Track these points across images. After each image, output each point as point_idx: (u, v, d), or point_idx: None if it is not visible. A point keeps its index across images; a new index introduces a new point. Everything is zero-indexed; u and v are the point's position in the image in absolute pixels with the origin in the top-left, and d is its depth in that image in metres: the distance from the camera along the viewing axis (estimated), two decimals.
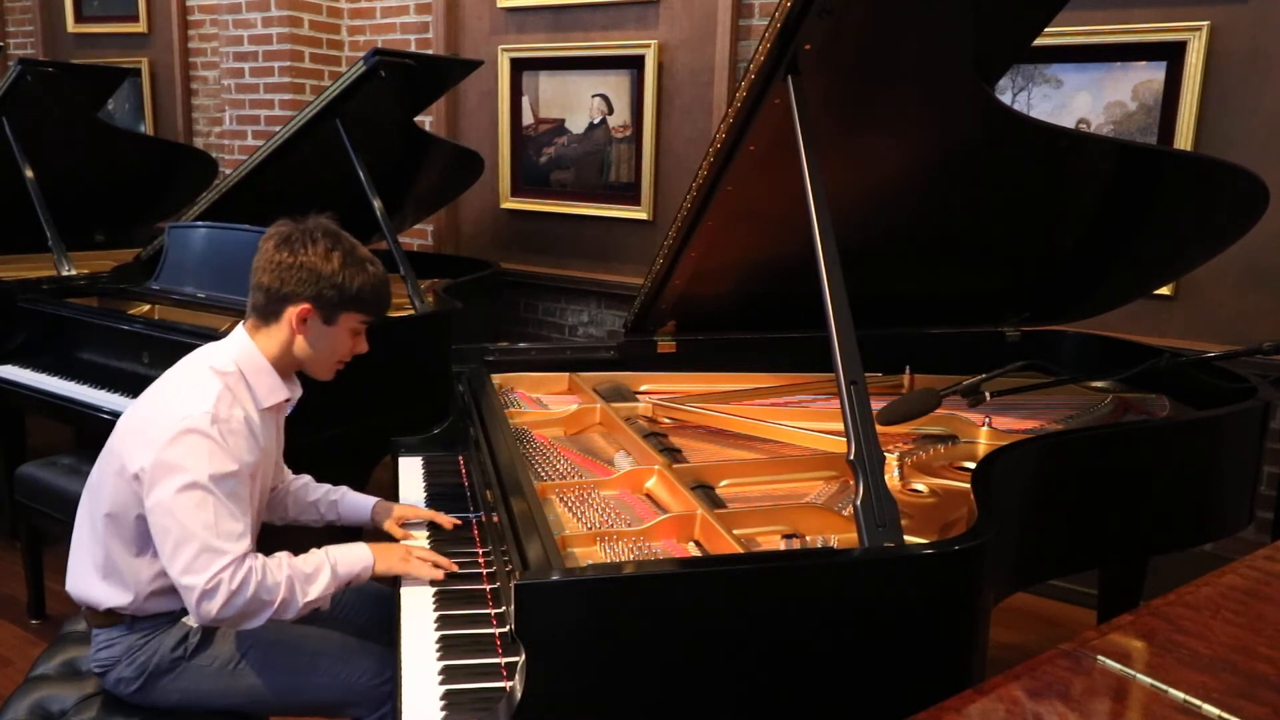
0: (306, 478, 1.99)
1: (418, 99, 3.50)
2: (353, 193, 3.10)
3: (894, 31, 1.71)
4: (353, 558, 1.65)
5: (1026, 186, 2.14)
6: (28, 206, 3.64)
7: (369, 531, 1.95)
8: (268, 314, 1.67)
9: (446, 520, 1.88)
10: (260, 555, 1.58)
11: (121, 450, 1.61)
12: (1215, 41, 2.78)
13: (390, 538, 1.86)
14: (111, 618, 1.66)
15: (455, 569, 1.68)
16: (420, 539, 1.85)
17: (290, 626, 1.73)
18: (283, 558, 1.60)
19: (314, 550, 1.65)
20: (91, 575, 1.66)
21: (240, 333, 1.70)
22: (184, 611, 1.67)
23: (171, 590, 1.62)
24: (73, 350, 3.11)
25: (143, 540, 1.61)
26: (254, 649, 1.68)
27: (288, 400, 1.74)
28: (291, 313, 1.65)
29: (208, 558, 1.50)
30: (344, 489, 1.99)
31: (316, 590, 1.59)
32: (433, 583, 1.67)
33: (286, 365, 1.71)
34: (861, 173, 1.96)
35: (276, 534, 2.04)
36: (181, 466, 1.51)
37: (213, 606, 1.50)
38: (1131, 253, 2.32)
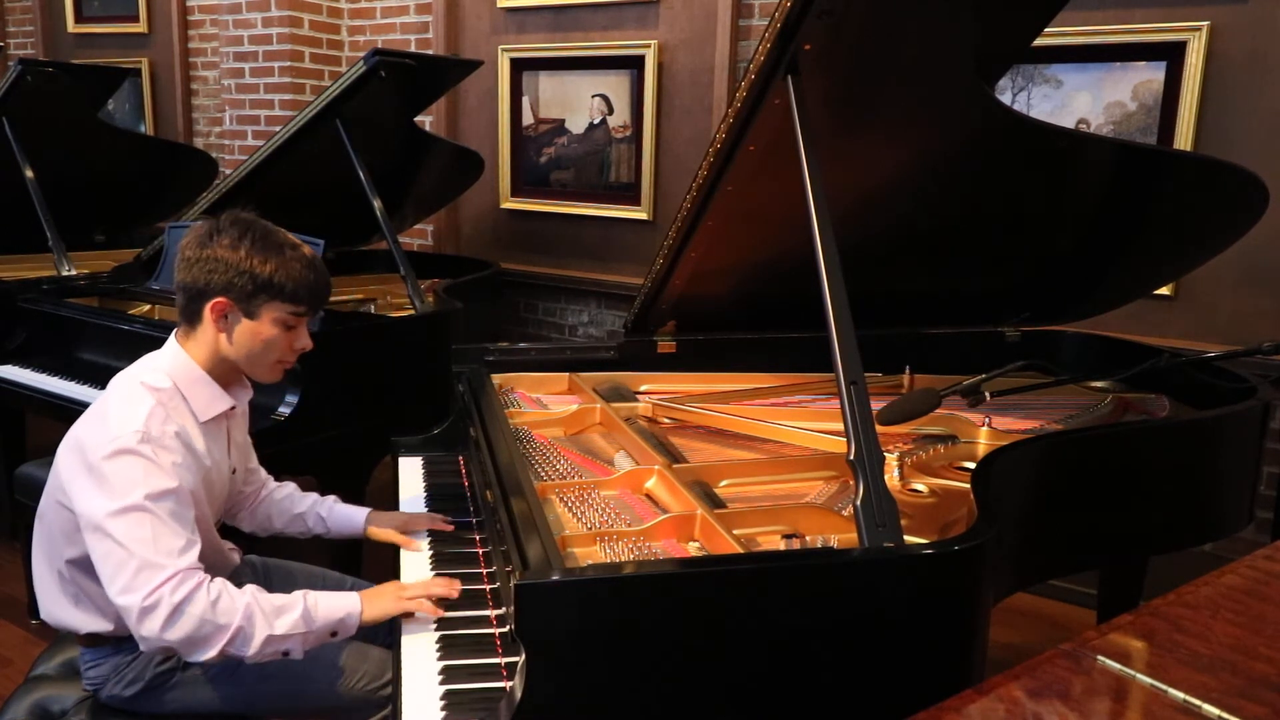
0: (291, 486, 1.95)
1: (418, 99, 3.50)
2: (353, 193, 3.10)
3: (894, 32, 1.71)
4: (335, 602, 1.53)
5: (1026, 187, 2.14)
6: (28, 206, 3.64)
7: (370, 542, 1.93)
8: (190, 315, 1.59)
9: (446, 525, 1.87)
10: (217, 579, 1.47)
11: (63, 479, 1.54)
12: (1215, 41, 2.78)
13: (390, 548, 1.84)
14: (95, 639, 1.61)
15: (457, 593, 1.56)
16: (422, 545, 1.84)
17: None
18: (249, 588, 1.49)
19: (294, 593, 1.53)
20: (62, 603, 1.61)
21: (172, 343, 1.62)
22: None
23: None
24: (73, 350, 3.11)
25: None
26: None
27: (233, 409, 1.67)
28: (208, 309, 1.56)
29: (147, 574, 1.40)
30: (331, 500, 1.93)
31: (282, 626, 1.46)
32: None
33: (224, 371, 1.63)
34: (861, 173, 1.96)
35: (268, 546, 2.02)
36: (114, 489, 1.43)
37: (154, 624, 1.39)
38: (1131, 253, 2.32)
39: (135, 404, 1.51)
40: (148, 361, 1.61)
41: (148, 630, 1.40)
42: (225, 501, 1.76)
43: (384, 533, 1.87)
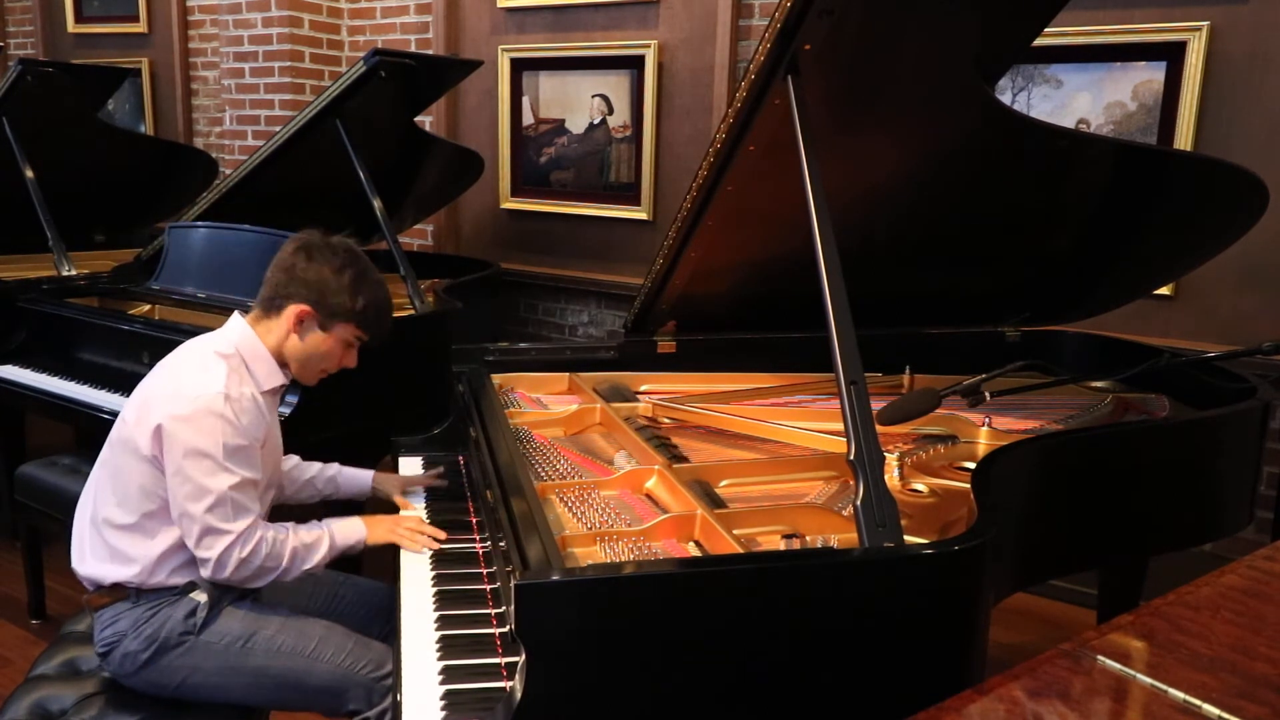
0: (295, 458, 2.04)
1: (418, 99, 3.49)
2: (353, 193, 3.09)
3: (894, 32, 1.71)
4: (349, 529, 1.78)
5: (1026, 186, 2.14)
6: (28, 206, 3.64)
7: (368, 505, 2.01)
8: (271, 307, 1.76)
9: (440, 481, 2.04)
10: (269, 525, 1.69)
11: (133, 433, 1.66)
12: (1215, 41, 2.78)
13: (392, 506, 1.98)
14: (117, 592, 1.70)
15: (442, 538, 1.79)
16: (419, 509, 1.94)
17: (298, 615, 1.77)
18: (288, 529, 1.72)
19: (314, 522, 1.78)
20: (99, 555, 1.71)
21: (239, 321, 1.78)
22: (191, 585, 1.70)
23: (178, 563, 1.69)
24: (73, 350, 3.11)
25: (150, 521, 1.67)
26: (263, 630, 1.70)
27: (283, 385, 1.82)
28: (292, 310, 1.73)
29: (211, 537, 1.62)
30: (337, 465, 2.06)
31: (313, 559, 1.73)
32: (433, 581, 1.68)
33: (280, 360, 1.80)
34: (861, 173, 1.96)
35: (276, 511, 2.06)
36: (197, 445, 1.60)
37: (224, 571, 1.63)
38: (1131, 253, 2.32)
39: (213, 368, 1.68)
40: (209, 335, 1.78)
41: (219, 563, 1.63)
42: (275, 476, 1.87)
43: (387, 490, 2.03)
